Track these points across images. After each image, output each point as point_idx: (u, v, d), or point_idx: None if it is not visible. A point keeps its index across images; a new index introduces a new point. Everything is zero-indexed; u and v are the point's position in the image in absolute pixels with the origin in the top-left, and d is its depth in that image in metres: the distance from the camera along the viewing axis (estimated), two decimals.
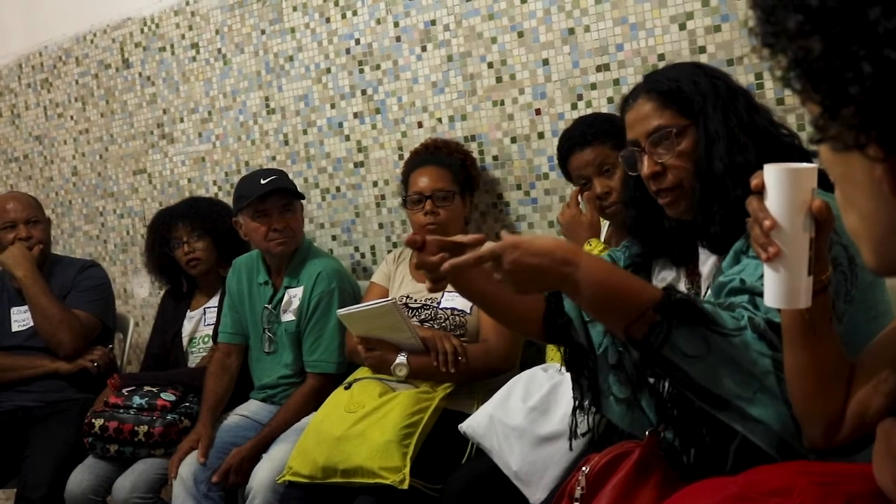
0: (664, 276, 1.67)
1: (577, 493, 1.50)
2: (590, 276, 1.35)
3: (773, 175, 1.16)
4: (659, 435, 1.51)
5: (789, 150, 1.51)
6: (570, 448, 1.82)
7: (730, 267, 1.47)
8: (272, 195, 2.70)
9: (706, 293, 1.56)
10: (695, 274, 1.62)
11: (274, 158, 3.36)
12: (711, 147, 1.49)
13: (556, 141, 2.43)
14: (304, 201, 2.89)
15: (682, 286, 1.64)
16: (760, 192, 1.17)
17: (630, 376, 1.57)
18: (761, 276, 1.20)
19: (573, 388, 1.67)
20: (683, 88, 1.53)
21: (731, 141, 1.49)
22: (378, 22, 3.01)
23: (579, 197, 2.32)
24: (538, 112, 2.70)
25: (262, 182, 2.70)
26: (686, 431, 1.48)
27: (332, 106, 3.17)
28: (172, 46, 3.61)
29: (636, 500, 1.44)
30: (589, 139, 2.23)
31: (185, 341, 3.10)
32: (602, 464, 1.50)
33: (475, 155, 2.79)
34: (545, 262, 1.35)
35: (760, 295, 1.25)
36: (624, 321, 1.37)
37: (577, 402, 1.68)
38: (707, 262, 1.60)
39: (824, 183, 1.07)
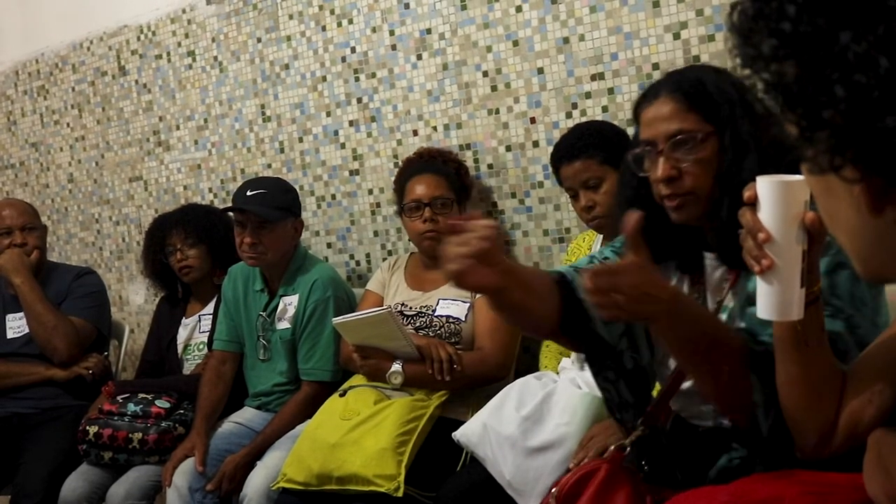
0: None
1: None
2: (688, 310, 1.34)
3: (766, 187, 1.16)
4: (624, 450, 1.51)
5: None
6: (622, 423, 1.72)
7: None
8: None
9: (730, 304, 1.53)
10: (699, 283, 1.58)
11: (269, 166, 3.36)
12: (743, 157, 1.43)
13: (550, 150, 2.44)
14: (301, 211, 2.88)
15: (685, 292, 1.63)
16: (753, 204, 1.17)
17: (639, 385, 1.56)
18: None
19: (598, 382, 1.62)
20: (710, 92, 1.47)
21: (761, 153, 1.43)
22: (374, 30, 3.02)
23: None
24: (533, 121, 2.70)
25: (248, 194, 2.69)
26: (659, 467, 1.49)
27: (328, 114, 3.18)
28: (169, 54, 3.61)
29: None
30: (576, 153, 2.24)
31: (179, 348, 3.09)
32: (570, 483, 1.51)
33: (470, 163, 2.80)
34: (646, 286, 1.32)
35: None
36: (713, 371, 1.38)
37: (606, 396, 1.62)
38: (715, 273, 1.56)
39: None
